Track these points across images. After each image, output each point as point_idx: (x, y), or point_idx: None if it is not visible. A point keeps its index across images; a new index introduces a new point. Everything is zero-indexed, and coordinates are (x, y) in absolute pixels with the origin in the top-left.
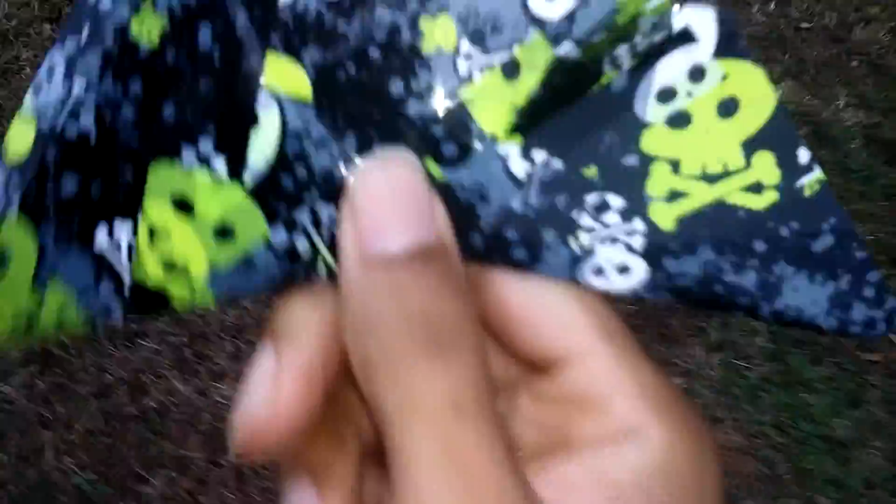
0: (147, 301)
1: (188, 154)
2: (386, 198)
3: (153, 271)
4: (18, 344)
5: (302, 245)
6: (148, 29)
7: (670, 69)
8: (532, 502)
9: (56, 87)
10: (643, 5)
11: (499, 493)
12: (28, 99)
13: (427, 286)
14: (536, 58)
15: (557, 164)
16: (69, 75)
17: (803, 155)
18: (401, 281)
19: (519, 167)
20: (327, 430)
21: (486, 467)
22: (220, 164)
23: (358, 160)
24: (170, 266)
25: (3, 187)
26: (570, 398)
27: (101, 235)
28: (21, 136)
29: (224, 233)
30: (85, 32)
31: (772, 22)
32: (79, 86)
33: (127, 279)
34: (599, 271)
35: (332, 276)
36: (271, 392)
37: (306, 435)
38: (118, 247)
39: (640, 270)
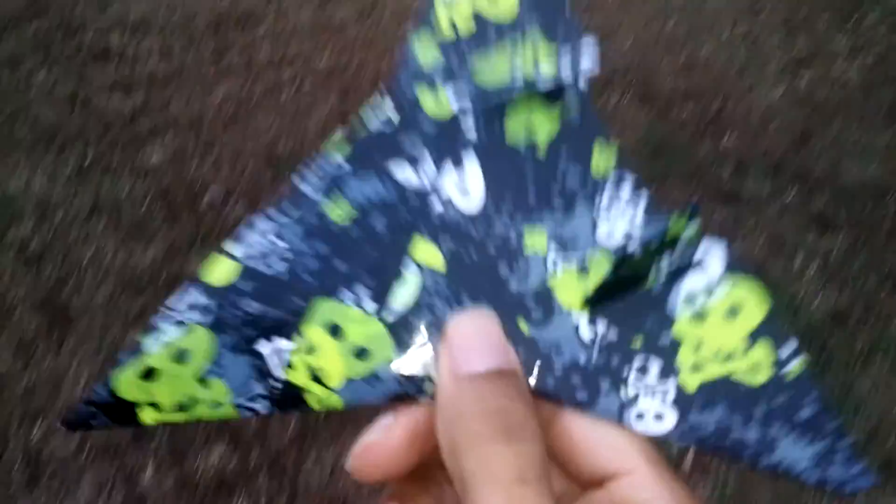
0: (290, 400)
1: (347, 295)
2: (472, 336)
3: (301, 377)
4: (175, 421)
5: (417, 377)
6: (339, 212)
7: (693, 283)
8: None
9: (263, 243)
10: (682, 233)
11: None
12: (232, 245)
13: (501, 393)
14: (600, 264)
15: (613, 334)
16: (279, 236)
17: (791, 345)
18: (482, 389)
19: (586, 332)
20: (417, 479)
21: None
22: (369, 305)
23: (454, 311)
24: (315, 374)
25: (204, 304)
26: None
27: (266, 348)
28: (223, 269)
29: (361, 353)
30: (294, 211)
31: None
32: (281, 244)
33: (279, 382)
34: (640, 416)
35: (432, 395)
36: (384, 436)
37: (402, 474)
38: (278, 356)
39: (670, 419)
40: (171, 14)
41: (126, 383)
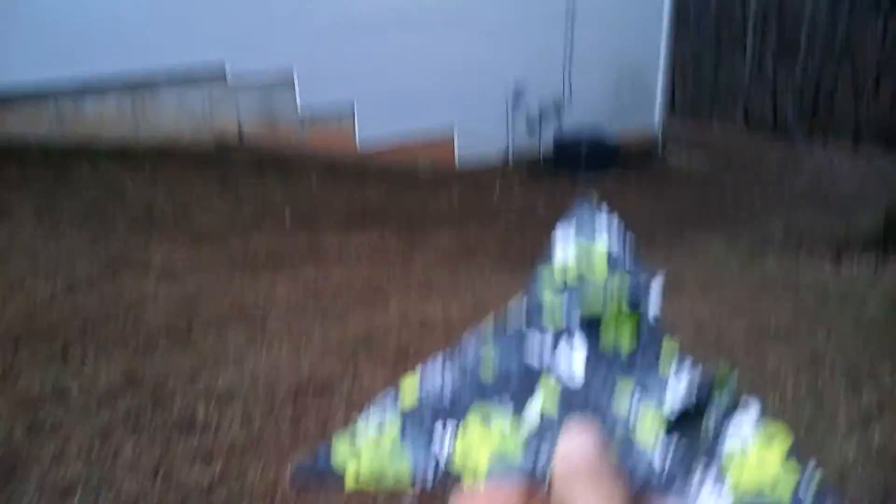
0: (448, 479)
1: (496, 399)
2: (577, 445)
3: (459, 464)
4: (369, 487)
5: (542, 460)
6: (486, 365)
7: (737, 421)
8: None
9: (437, 383)
10: (727, 377)
11: None
12: (415, 382)
13: (594, 493)
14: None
15: (679, 456)
16: (444, 373)
17: (811, 467)
18: (584, 481)
19: (660, 454)
20: None
21: None
22: (510, 407)
23: (570, 428)
24: (468, 466)
25: (391, 418)
26: None
27: (437, 428)
28: (409, 394)
29: (501, 435)
30: (457, 359)
31: None
32: (447, 377)
33: (441, 465)
34: None
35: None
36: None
37: None
38: (443, 437)
39: None
40: (254, 383)
41: (339, 454)
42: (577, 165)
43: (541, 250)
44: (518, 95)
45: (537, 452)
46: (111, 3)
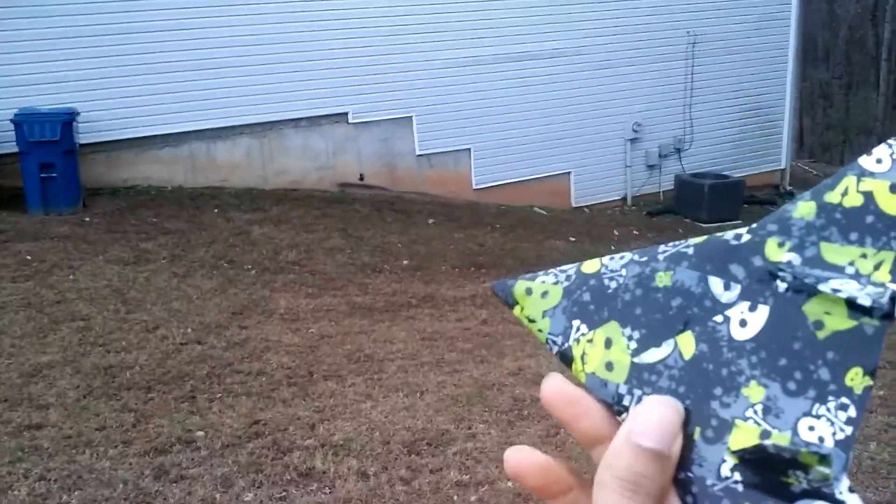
0: (566, 358)
1: (626, 331)
2: (658, 418)
3: (577, 351)
4: (523, 321)
5: (627, 400)
6: (662, 279)
7: None
8: None
9: (618, 263)
10: (813, 465)
11: None
12: (606, 258)
13: (654, 466)
14: (779, 441)
15: (739, 487)
16: (625, 266)
17: None
18: (637, 459)
19: (725, 471)
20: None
21: None
22: (633, 345)
23: (656, 397)
24: (583, 355)
25: (568, 275)
26: None
27: (576, 322)
28: (590, 266)
29: (609, 366)
30: (645, 258)
31: None
32: (622, 272)
33: (568, 344)
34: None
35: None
36: (531, 453)
37: (537, 487)
38: (575, 332)
39: None
40: (370, 435)
41: (518, 289)
42: (700, 209)
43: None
44: (636, 136)
45: (632, 388)
46: (246, 59)
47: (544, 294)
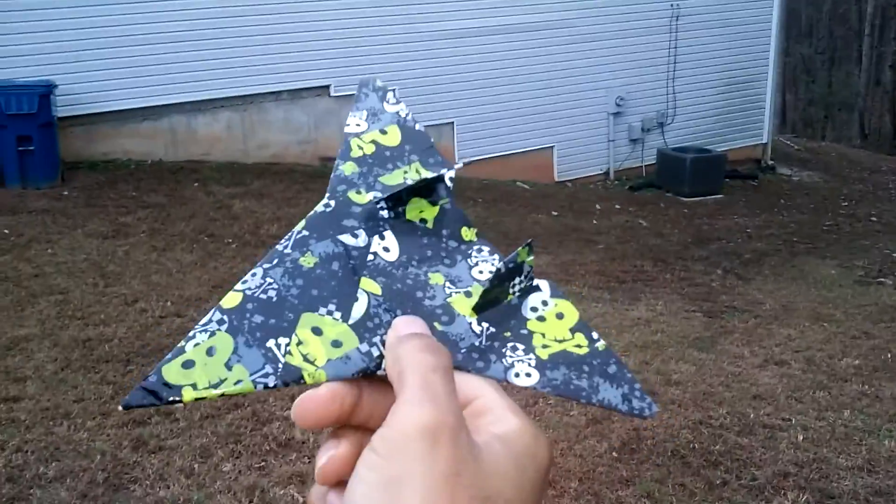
0: (291, 375)
1: (322, 311)
2: (406, 323)
3: (297, 360)
4: (208, 397)
5: (375, 351)
6: (308, 260)
7: (534, 298)
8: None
9: (257, 279)
10: (526, 259)
11: (447, 397)
12: (239, 284)
13: (433, 340)
14: (477, 290)
15: (492, 328)
16: (264, 276)
17: (596, 335)
18: (415, 337)
19: (476, 328)
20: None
21: (445, 389)
22: (337, 315)
23: (398, 318)
24: (306, 357)
25: (219, 319)
26: (477, 412)
27: (271, 343)
28: (232, 299)
29: (335, 344)
30: (275, 261)
31: None
32: (269, 281)
33: (280, 365)
34: (517, 375)
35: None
36: (315, 392)
37: (329, 422)
38: (279, 348)
39: (535, 376)
40: None
41: (172, 372)
42: (681, 183)
43: (641, 273)
44: (619, 110)
45: (371, 339)
46: (227, 31)
47: (210, 350)
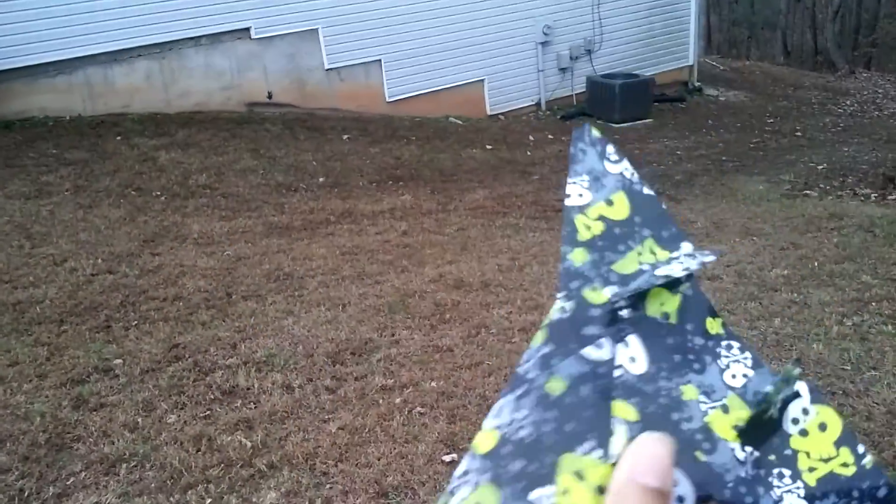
0: None
1: (579, 449)
2: (649, 455)
3: None
4: None
5: None
6: (555, 386)
7: (795, 407)
8: None
9: (508, 414)
10: (783, 390)
11: None
12: (490, 420)
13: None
14: (734, 402)
15: (756, 453)
16: (515, 409)
17: (861, 449)
18: (638, 497)
19: (740, 454)
20: None
21: None
22: (598, 454)
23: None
24: None
25: (478, 467)
26: None
27: (535, 495)
28: (487, 440)
29: (600, 490)
30: (522, 389)
31: None
32: (521, 414)
33: None
34: None
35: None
36: None
37: None
38: (545, 500)
39: None
40: (294, 350)
41: None
42: (612, 110)
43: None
44: (547, 40)
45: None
46: None
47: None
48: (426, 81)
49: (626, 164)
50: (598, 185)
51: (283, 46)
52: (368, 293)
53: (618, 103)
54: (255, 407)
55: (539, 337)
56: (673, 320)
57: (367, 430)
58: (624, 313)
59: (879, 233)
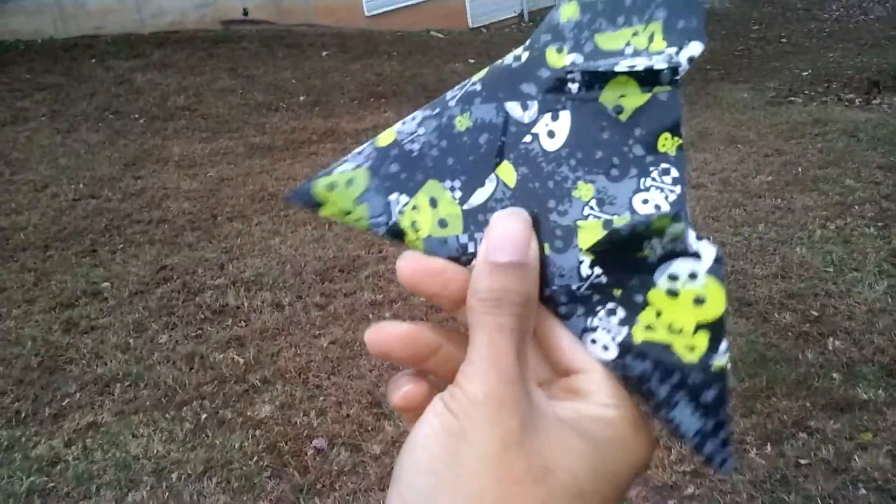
0: (396, 233)
1: (447, 184)
2: (506, 231)
3: (405, 222)
4: (338, 220)
5: (471, 247)
6: (462, 122)
7: (682, 266)
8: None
9: (412, 125)
10: (667, 227)
11: (510, 364)
12: (398, 124)
13: (512, 278)
14: (621, 223)
15: (603, 279)
16: (419, 124)
17: (723, 347)
18: (498, 274)
19: (585, 270)
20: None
21: (508, 355)
22: (457, 194)
23: (499, 212)
24: (413, 224)
25: (368, 153)
26: (575, 390)
27: (393, 196)
28: (385, 138)
29: (442, 223)
30: (437, 110)
31: (771, 463)
32: (421, 131)
33: (392, 221)
34: (593, 341)
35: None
36: (390, 326)
37: (402, 359)
38: (398, 204)
39: (612, 353)
40: (282, 269)
41: (318, 188)
42: None
43: None
44: None
45: (474, 234)
46: None
47: (349, 182)
48: None
49: None
50: None
51: None
52: None
53: None
54: (246, 325)
55: (481, 73)
56: (623, 117)
57: (357, 343)
58: (573, 87)
59: (863, 137)
